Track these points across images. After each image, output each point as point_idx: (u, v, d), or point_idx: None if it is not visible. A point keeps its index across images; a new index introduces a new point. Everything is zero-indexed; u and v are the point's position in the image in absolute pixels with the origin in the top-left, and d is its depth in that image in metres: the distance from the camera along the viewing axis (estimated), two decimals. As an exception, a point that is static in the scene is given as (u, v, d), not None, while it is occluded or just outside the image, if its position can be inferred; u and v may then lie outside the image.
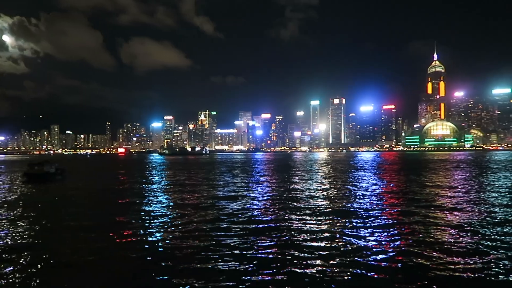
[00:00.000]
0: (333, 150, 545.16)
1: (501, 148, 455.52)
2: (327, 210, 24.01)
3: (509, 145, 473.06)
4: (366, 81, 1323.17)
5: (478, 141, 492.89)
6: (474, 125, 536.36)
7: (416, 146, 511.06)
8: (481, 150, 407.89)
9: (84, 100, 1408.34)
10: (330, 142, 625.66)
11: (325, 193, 33.16)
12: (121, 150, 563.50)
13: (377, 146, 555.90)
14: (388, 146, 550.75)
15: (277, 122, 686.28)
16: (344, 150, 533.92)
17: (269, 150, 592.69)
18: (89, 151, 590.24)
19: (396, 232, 17.74)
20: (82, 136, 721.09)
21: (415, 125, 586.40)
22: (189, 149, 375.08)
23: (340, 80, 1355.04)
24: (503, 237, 16.54)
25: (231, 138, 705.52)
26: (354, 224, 19.28)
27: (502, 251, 14.49)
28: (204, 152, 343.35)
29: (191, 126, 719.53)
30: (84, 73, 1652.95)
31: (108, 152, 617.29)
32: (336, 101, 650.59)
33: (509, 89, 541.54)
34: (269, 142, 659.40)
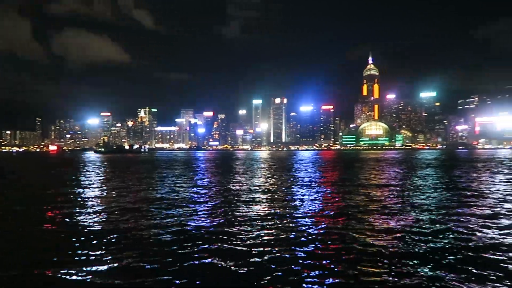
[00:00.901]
0: (274, 149, 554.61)
1: (427, 147, 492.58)
2: (267, 210, 23.59)
3: (434, 145, 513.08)
4: (307, 82, 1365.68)
5: (407, 141, 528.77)
6: (404, 126, 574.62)
7: (352, 145, 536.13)
8: (410, 149, 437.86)
9: (13, 94, 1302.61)
10: (272, 140, 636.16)
11: (265, 191, 32.83)
12: (52, 147, 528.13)
13: (316, 145, 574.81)
14: (326, 145, 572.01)
15: (219, 121, 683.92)
16: (285, 149, 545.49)
17: (211, 149, 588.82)
18: (15, 149, 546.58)
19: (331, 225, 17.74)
20: (8, 132, 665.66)
21: (351, 125, 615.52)
22: (127, 147, 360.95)
23: (282, 80, 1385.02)
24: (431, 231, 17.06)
25: (172, 136, 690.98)
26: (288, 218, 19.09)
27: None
28: (143, 150, 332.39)
29: (130, 123, 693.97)
30: (13, 65, 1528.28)
31: (38, 149, 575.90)
32: (277, 100, 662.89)
33: (435, 93, 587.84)
34: (211, 140, 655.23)
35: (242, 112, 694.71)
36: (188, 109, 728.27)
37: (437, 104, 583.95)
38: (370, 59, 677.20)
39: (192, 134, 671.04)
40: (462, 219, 19.59)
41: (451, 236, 16.24)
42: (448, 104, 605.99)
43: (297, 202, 26.02)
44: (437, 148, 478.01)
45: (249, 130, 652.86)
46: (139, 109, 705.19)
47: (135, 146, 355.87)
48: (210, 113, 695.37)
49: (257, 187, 35.58)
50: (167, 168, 71.60)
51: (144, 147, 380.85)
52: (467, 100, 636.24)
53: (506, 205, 23.86)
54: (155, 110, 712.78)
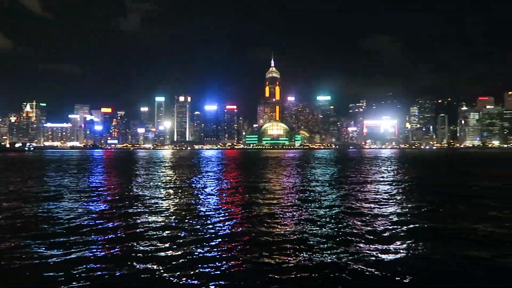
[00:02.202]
0: (177, 148, 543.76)
1: (322, 147, 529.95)
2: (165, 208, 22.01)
3: (329, 145, 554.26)
4: (211, 81, 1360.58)
5: (305, 141, 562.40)
6: (302, 127, 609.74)
7: (255, 144, 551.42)
8: (308, 149, 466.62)
9: None
10: (175, 139, 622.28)
11: (167, 191, 31.00)
12: None
13: (220, 144, 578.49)
14: (230, 144, 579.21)
15: (119, 118, 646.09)
16: (188, 148, 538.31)
17: (109, 147, 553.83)
18: None
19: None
20: None
21: (254, 125, 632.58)
22: (8, 145, 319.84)
23: (186, 78, 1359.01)
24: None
25: (64, 133, 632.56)
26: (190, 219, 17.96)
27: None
28: (27, 148, 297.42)
29: (13, 119, 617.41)
30: None
31: None
32: (181, 98, 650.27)
33: (329, 97, 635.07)
34: (109, 138, 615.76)
35: (144, 109, 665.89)
36: (83, 105, 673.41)
37: (332, 107, 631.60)
38: (272, 62, 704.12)
39: (88, 132, 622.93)
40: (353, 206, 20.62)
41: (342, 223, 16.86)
42: (341, 107, 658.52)
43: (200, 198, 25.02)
44: (331, 147, 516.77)
45: (152, 128, 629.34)
46: (25, 103, 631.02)
47: (18, 144, 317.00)
48: (108, 110, 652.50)
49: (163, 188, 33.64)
50: (74, 172, 64.64)
51: (29, 145, 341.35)
52: (357, 104, 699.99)
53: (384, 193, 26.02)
54: (44, 104, 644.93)
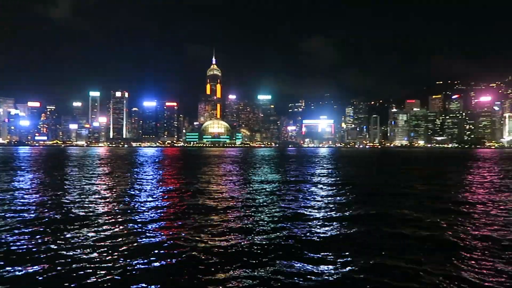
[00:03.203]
0: (113, 145, 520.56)
1: (263, 145, 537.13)
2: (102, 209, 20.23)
3: (269, 143, 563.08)
4: (150, 76, 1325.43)
5: (246, 139, 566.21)
6: (243, 125, 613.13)
7: (195, 142, 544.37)
8: (248, 147, 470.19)
9: None
10: (111, 136, 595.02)
11: (102, 192, 28.81)
12: None
13: (159, 141, 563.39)
14: (170, 142, 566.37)
15: (48, 112, 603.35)
16: (125, 145, 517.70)
17: (37, 144, 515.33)
18: None
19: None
20: None
21: (195, 123, 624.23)
22: None
23: (123, 73, 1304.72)
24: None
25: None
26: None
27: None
28: None
29: None
30: None
31: None
32: (118, 94, 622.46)
33: (270, 96, 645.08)
34: (37, 134, 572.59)
35: (77, 104, 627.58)
36: (7, 98, 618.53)
37: (272, 106, 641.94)
38: (214, 60, 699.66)
39: (13, 127, 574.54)
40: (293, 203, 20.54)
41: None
42: (281, 106, 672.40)
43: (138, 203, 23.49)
44: (271, 146, 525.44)
45: (85, 124, 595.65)
46: None
47: None
48: (36, 104, 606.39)
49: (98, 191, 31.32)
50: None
51: None
52: (296, 104, 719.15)
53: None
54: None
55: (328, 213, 20.98)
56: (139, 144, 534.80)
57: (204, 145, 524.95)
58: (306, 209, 21.99)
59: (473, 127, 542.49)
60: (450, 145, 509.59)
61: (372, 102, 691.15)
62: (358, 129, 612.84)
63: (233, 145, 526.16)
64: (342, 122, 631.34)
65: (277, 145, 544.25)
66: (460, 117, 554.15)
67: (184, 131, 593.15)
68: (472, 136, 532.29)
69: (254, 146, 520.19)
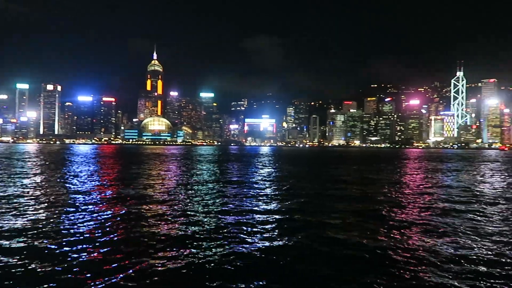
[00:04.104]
0: (44, 142, 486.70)
1: (205, 143, 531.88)
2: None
3: (211, 141, 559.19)
4: (86, 70, 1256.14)
5: (188, 137, 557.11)
6: (185, 123, 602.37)
7: (134, 140, 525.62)
8: (190, 145, 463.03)
9: None
10: (42, 132, 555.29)
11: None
12: None
13: (95, 138, 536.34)
14: (107, 139, 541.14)
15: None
16: (58, 142, 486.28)
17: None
18: None
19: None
20: None
21: (134, 120, 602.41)
22: None
23: (57, 65, 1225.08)
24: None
25: None
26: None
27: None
28: None
29: None
30: None
31: None
32: (50, 87, 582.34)
33: (212, 94, 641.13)
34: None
35: (3, 97, 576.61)
36: None
37: (215, 104, 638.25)
38: (155, 55, 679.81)
39: None
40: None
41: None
42: (224, 105, 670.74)
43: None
44: (213, 144, 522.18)
45: (12, 119, 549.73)
46: None
47: None
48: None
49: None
50: None
51: None
52: (239, 102, 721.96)
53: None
54: None
55: (258, 205, 20.85)
56: (73, 141, 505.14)
57: (144, 142, 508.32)
58: (234, 207, 21.70)
59: (403, 128, 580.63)
60: (383, 145, 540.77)
61: (312, 103, 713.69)
62: (298, 128, 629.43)
63: (174, 143, 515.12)
64: (283, 121, 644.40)
65: (220, 143, 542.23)
66: (392, 118, 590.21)
67: (122, 128, 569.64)
68: (403, 136, 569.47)
69: (196, 144, 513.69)
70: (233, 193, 28.29)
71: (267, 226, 17.49)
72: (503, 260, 12.69)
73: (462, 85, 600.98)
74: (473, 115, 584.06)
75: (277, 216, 19.76)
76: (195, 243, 14.40)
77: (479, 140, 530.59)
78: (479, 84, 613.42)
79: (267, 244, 14.52)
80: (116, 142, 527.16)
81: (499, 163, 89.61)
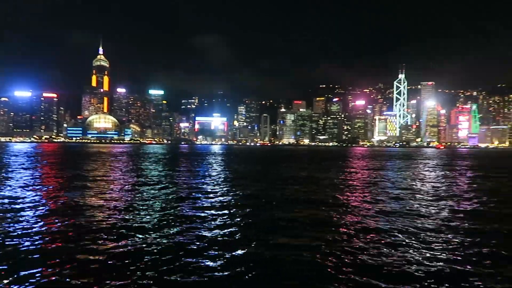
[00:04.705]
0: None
1: (154, 142, 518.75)
2: None
3: (161, 140, 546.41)
4: (25, 64, 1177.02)
5: (136, 135, 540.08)
6: (133, 120, 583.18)
7: (78, 138, 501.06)
8: (139, 143, 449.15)
9: None
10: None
11: None
12: None
13: (35, 136, 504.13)
14: (48, 137, 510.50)
15: None
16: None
17: None
18: None
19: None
20: None
21: (78, 117, 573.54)
22: None
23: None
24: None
25: None
26: None
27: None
28: None
29: None
30: None
31: None
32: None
33: (162, 92, 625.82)
34: None
35: None
36: None
37: (165, 102, 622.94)
38: (101, 49, 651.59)
39: None
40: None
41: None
42: (174, 102, 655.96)
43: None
44: (163, 143, 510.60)
45: None
46: None
47: None
48: None
49: None
50: None
51: None
52: (190, 100, 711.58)
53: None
54: None
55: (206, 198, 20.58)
56: (9, 139, 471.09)
57: (89, 141, 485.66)
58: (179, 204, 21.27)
59: (350, 128, 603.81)
60: (331, 144, 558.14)
61: (263, 102, 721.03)
62: (249, 127, 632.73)
63: (121, 141, 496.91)
64: (234, 120, 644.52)
65: (170, 142, 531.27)
66: (339, 118, 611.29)
67: (65, 125, 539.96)
68: (349, 135, 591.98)
69: (145, 142, 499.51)
70: (179, 195, 27.67)
71: (210, 236, 17.21)
72: (439, 257, 13.40)
73: (404, 87, 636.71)
74: (413, 115, 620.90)
75: (222, 219, 19.55)
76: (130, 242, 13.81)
77: (418, 139, 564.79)
78: (419, 86, 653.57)
79: (211, 253, 14.28)
80: (58, 140, 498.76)
81: (435, 160, 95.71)
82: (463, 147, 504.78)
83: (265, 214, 20.62)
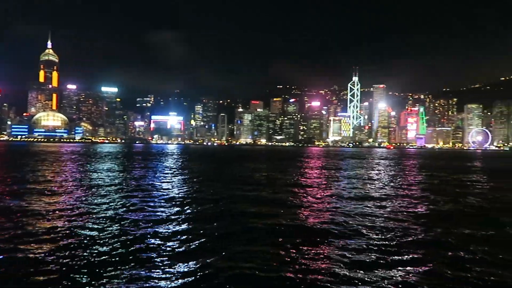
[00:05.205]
0: None
1: (107, 141, 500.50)
2: None
3: (114, 139, 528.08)
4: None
5: (87, 134, 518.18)
6: (84, 118, 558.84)
7: (24, 137, 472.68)
8: (90, 143, 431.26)
9: None
10: None
11: None
12: None
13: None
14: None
15: None
16: None
17: None
18: None
19: None
20: None
21: (24, 114, 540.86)
22: None
23: None
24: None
25: None
26: None
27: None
28: None
29: None
30: None
31: None
32: None
33: (116, 89, 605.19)
34: None
35: None
36: None
37: (118, 99, 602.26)
38: (49, 43, 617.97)
39: None
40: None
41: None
42: (128, 100, 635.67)
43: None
44: (117, 142, 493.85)
45: None
46: None
47: None
48: None
49: None
50: None
51: None
52: (145, 98, 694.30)
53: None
54: None
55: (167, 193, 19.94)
56: None
57: (36, 140, 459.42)
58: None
59: (306, 128, 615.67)
60: (287, 144, 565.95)
61: (221, 101, 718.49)
62: (207, 126, 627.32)
63: (71, 140, 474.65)
64: (191, 119, 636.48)
65: (124, 141, 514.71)
66: (296, 118, 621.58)
67: (9, 123, 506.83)
68: (305, 136, 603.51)
69: (97, 142, 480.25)
70: (127, 200, 26.64)
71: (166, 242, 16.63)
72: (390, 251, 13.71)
73: (357, 89, 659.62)
74: (366, 116, 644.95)
75: (176, 223, 18.98)
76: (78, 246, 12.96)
77: (370, 140, 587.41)
78: (371, 89, 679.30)
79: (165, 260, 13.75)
80: (1, 139, 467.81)
81: (385, 160, 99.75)
82: (412, 147, 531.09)
83: (220, 217, 20.24)
